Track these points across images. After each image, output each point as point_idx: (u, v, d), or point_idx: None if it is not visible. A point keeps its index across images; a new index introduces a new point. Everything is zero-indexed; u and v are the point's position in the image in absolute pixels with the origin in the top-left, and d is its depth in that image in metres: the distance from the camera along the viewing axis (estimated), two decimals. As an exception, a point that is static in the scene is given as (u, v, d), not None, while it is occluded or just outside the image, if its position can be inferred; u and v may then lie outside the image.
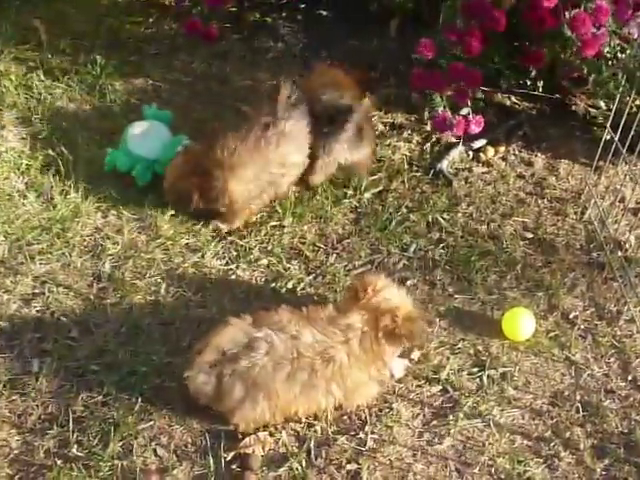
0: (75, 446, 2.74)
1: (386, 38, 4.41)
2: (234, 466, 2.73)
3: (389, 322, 2.78)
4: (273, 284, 3.26)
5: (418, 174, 3.73)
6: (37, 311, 3.13)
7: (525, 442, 2.84)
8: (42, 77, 4.09)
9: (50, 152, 3.68)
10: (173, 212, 3.46)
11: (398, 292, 2.91)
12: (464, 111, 3.71)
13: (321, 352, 2.72)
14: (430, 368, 3.03)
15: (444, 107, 3.70)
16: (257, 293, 3.23)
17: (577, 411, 2.92)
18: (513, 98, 4.03)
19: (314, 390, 2.75)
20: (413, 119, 3.99)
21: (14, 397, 2.87)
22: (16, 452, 2.75)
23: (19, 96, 3.98)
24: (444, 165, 3.76)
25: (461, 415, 2.89)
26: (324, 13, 4.60)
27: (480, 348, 3.09)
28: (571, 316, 3.20)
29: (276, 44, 4.40)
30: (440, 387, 2.98)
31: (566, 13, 3.51)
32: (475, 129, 3.68)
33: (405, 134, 3.91)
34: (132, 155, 3.54)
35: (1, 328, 3.06)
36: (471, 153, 3.85)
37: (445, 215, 3.55)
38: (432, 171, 3.74)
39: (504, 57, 3.80)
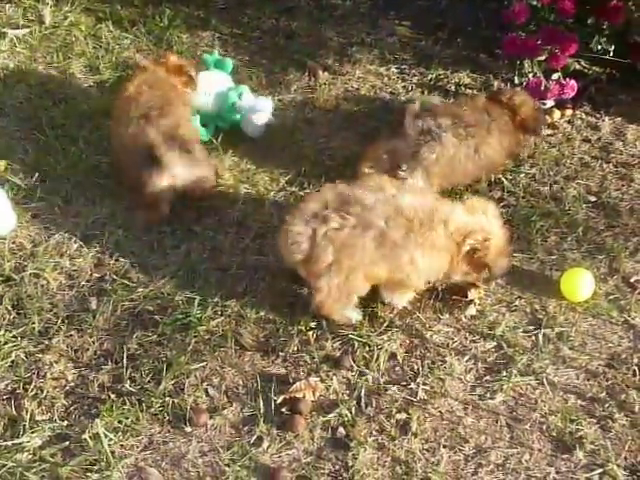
0: (128, 382, 2.79)
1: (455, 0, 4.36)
2: (284, 409, 2.75)
3: (479, 245, 2.83)
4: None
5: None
6: (97, 251, 3.17)
7: (579, 402, 2.80)
8: (111, 28, 4.14)
9: (116, 100, 3.71)
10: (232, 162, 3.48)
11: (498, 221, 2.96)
12: (554, 76, 3.66)
13: (416, 215, 2.80)
14: (485, 324, 3.00)
15: (536, 73, 3.69)
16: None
17: (634, 374, 2.87)
18: (582, 62, 3.94)
19: (401, 254, 2.79)
20: (479, 80, 3.94)
21: (71, 332, 2.93)
22: (72, 385, 2.80)
23: (88, 45, 4.04)
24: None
25: (514, 372, 2.86)
26: (393, -28, 4.56)
27: (537, 307, 3.05)
28: (632, 280, 3.14)
29: (344, 2, 4.38)
30: (495, 343, 2.95)
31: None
32: (570, 93, 3.64)
33: (470, 94, 3.84)
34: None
35: (62, 266, 3.11)
36: (537, 115, 3.78)
37: (508, 175, 3.50)
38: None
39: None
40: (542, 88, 3.63)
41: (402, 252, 2.80)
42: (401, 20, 4.27)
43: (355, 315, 2.98)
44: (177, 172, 3.15)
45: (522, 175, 3.51)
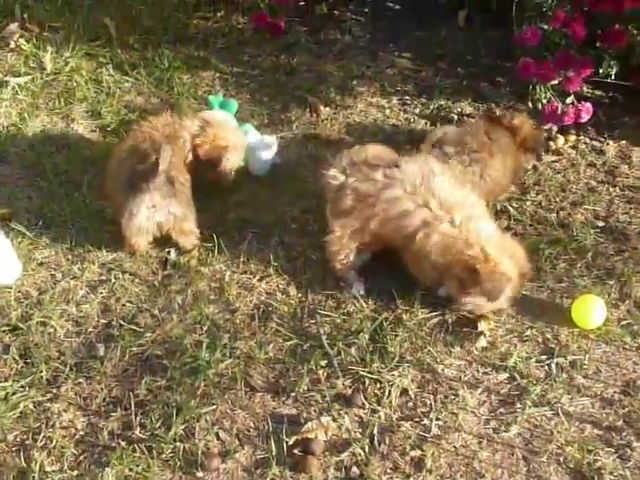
0: (138, 428, 2.76)
1: (454, 29, 4.37)
2: (296, 450, 2.71)
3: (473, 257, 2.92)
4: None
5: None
6: (103, 297, 3.16)
7: (595, 431, 2.76)
8: (111, 72, 4.16)
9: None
10: (238, 201, 3.47)
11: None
12: (569, 100, 3.65)
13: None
14: (497, 355, 2.97)
15: (551, 97, 3.70)
16: (322, 280, 3.22)
17: (650, 401, 2.84)
18: (585, 86, 3.93)
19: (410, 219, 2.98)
20: (481, 109, 3.93)
21: (80, 380, 2.90)
22: (81, 433, 2.77)
23: (89, 90, 4.05)
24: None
25: (529, 403, 2.82)
26: (391, 5, 4.57)
27: (549, 336, 3.02)
28: (644, 304, 3.12)
29: (343, 36, 4.40)
30: (507, 374, 2.92)
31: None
32: (585, 117, 3.64)
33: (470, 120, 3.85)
34: (199, 145, 3.55)
35: (69, 313, 3.10)
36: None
37: (514, 203, 3.49)
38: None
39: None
40: (559, 112, 3.62)
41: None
42: (401, 52, 4.29)
43: (358, 286, 3.16)
44: (157, 200, 3.13)
45: (528, 202, 3.49)
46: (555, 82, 3.69)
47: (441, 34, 4.38)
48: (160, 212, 3.16)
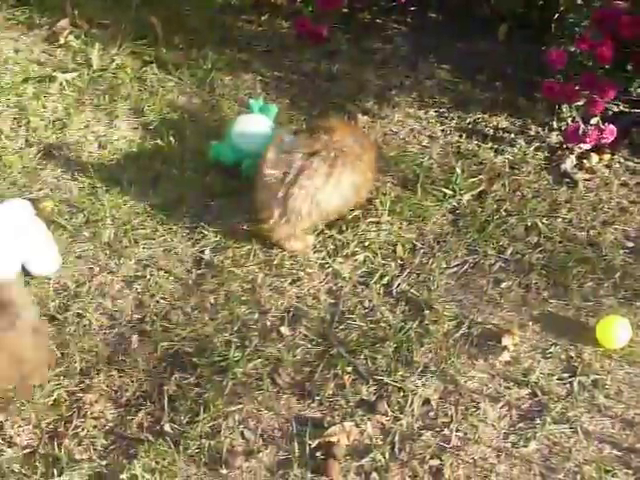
0: (166, 423, 2.84)
1: (494, 43, 4.39)
2: (318, 453, 2.78)
3: None
4: (368, 279, 3.29)
5: (519, 178, 3.70)
6: (138, 293, 3.24)
7: (614, 452, 2.79)
8: (156, 71, 4.23)
9: (159, 142, 3.81)
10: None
11: None
12: (593, 120, 3.67)
13: None
14: (519, 371, 3.01)
15: (574, 118, 3.71)
16: (352, 287, 3.27)
17: (671, 424, 2.87)
18: (621, 105, 3.95)
19: None
20: (517, 123, 3.96)
21: (112, 373, 2.99)
22: (111, 424, 2.86)
23: (133, 88, 4.13)
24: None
25: (548, 419, 2.86)
26: (434, 16, 4.61)
27: (572, 354, 3.05)
28: (669, 328, 3.14)
29: (385, 45, 4.43)
30: (529, 390, 2.96)
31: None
32: (609, 138, 3.65)
33: (508, 138, 3.89)
34: (236, 149, 3.62)
35: (104, 307, 3.18)
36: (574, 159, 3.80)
37: (544, 220, 3.51)
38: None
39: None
40: (580, 133, 3.65)
41: None
42: (440, 63, 4.32)
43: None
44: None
45: (559, 220, 3.52)
46: (580, 103, 3.71)
47: (481, 47, 4.40)
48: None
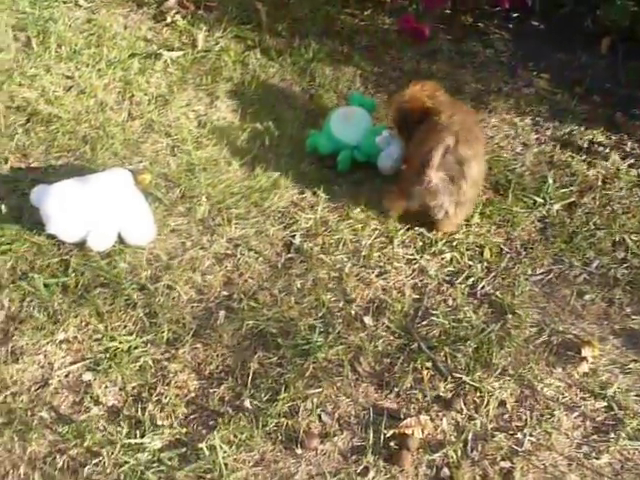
0: (247, 399, 2.91)
1: (595, 55, 4.38)
2: (392, 443, 2.83)
3: None
4: (453, 278, 3.33)
5: (610, 192, 3.70)
6: (227, 270, 3.32)
7: (688, 473, 2.80)
8: (258, 56, 4.31)
9: (258, 126, 3.90)
10: (365, 201, 3.60)
11: None
12: None
13: None
14: (597, 383, 3.02)
15: None
16: (438, 284, 3.31)
17: None
18: None
19: None
20: (613, 138, 3.95)
21: (197, 345, 3.07)
22: (193, 395, 2.94)
23: (235, 71, 4.21)
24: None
25: (623, 435, 2.87)
26: (536, 24, 4.61)
27: (652, 372, 3.07)
28: None
29: (485, 50, 4.46)
30: (605, 403, 2.97)
31: None
32: None
33: (603, 152, 3.88)
34: (334, 139, 3.68)
35: (194, 281, 3.27)
36: (667, 178, 3.79)
37: (633, 237, 3.51)
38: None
39: None
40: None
41: None
42: (540, 72, 4.33)
43: None
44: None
45: (649, 237, 3.53)
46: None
47: (582, 59, 4.40)
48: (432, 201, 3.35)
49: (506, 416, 2.93)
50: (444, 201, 3.33)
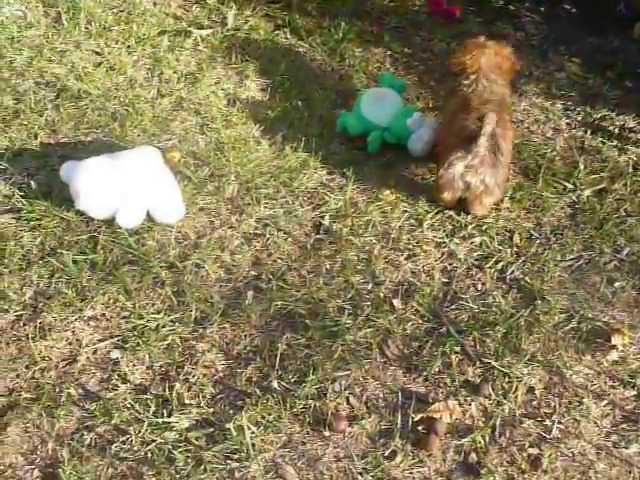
0: (275, 380, 2.90)
1: (628, 40, 4.34)
2: (420, 427, 2.81)
3: None
4: (483, 262, 3.31)
5: (643, 179, 3.67)
6: (256, 250, 3.31)
7: None
8: (288, 35, 4.30)
9: (287, 105, 3.89)
10: (394, 183, 3.58)
11: None
12: None
13: None
14: (627, 372, 3.00)
15: None
16: (467, 268, 3.30)
17: None
18: None
19: None
20: (644, 123, 3.93)
21: (225, 325, 3.06)
22: (220, 375, 2.94)
23: (265, 50, 4.20)
24: None
25: (653, 424, 2.87)
26: (567, 7, 4.56)
27: (684, 361, 3.04)
28: None
29: (516, 32, 4.42)
30: (635, 392, 2.95)
31: None
32: None
33: (634, 138, 3.85)
34: (364, 120, 3.66)
35: (222, 260, 3.26)
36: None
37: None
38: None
39: None
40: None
41: None
42: (571, 56, 4.29)
43: None
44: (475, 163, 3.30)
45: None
46: None
47: (614, 43, 4.36)
48: (473, 176, 3.30)
49: (534, 403, 2.91)
50: (486, 174, 3.29)
